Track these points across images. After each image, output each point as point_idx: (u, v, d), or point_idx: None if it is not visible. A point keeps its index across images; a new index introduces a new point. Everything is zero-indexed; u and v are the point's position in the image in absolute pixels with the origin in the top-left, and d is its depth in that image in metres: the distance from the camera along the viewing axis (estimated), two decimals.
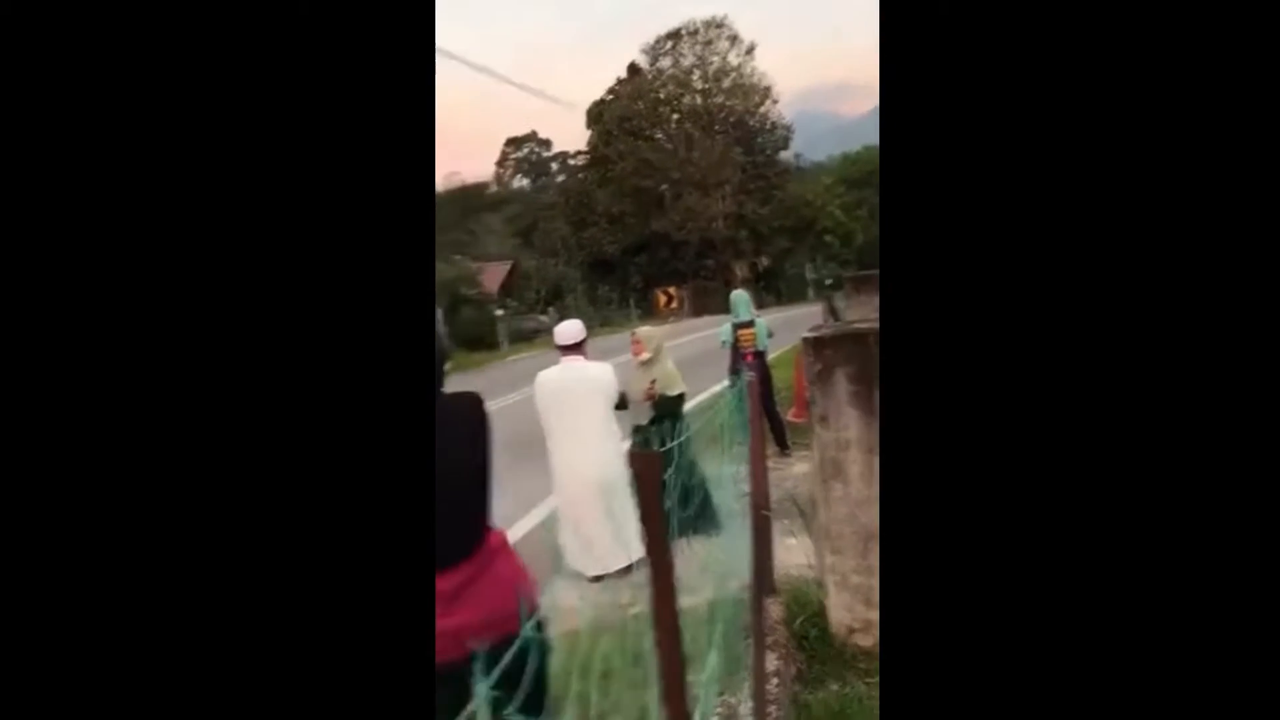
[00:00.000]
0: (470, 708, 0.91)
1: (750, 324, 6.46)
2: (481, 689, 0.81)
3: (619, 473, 3.90)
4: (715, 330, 7.19)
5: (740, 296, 6.75)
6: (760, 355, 6.44)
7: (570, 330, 4.35)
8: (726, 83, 36.23)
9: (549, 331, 4.73)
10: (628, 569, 3.67)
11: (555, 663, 2.09)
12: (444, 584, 1.65)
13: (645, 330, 4.83)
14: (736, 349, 6.44)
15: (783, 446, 6.45)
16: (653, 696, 1.44)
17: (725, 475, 2.79)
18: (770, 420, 6.47)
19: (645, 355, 4.48)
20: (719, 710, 2.46)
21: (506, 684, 0.96)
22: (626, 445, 4.11)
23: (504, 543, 1.81)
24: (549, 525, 4.82)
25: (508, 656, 1.06)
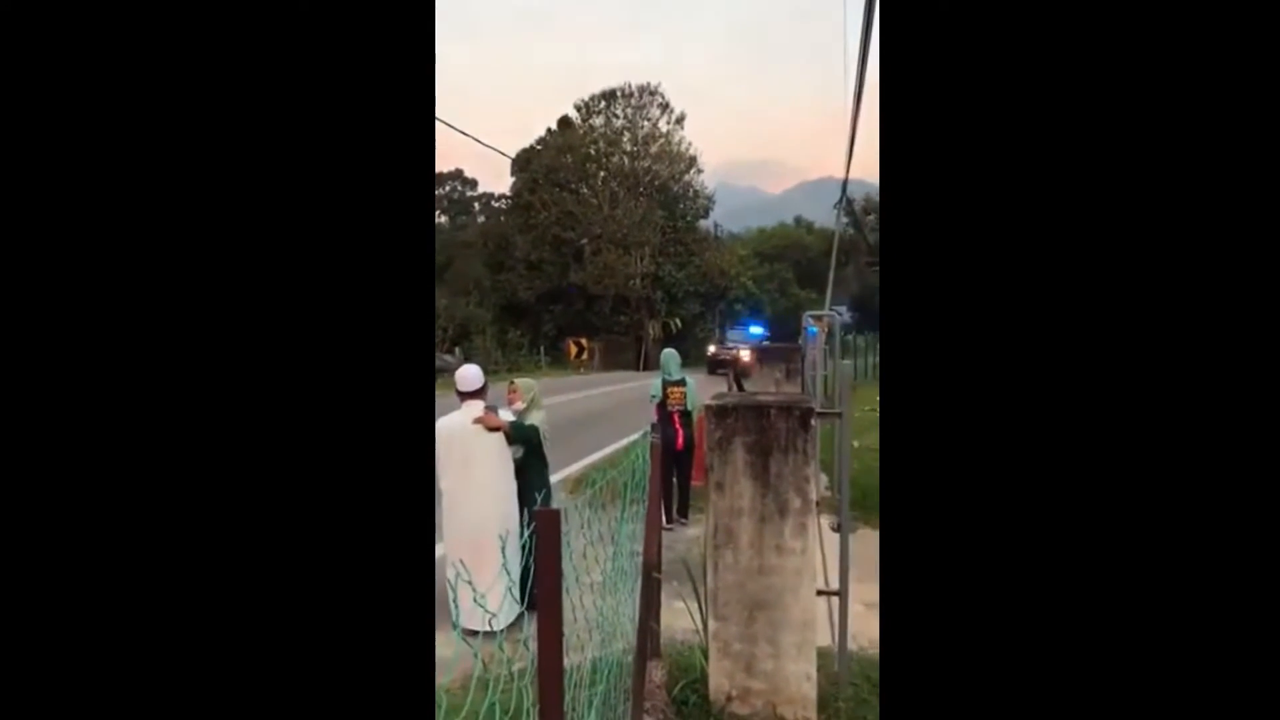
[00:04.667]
0: None
1: (681, 383, 6.52)
2: None
3: (515, 525, 3.86)
4: (621, 387, 7.22)
5: (671, 355, 6.77)
6: (687, 415, 6.48)
7: (470, 376, 4.33)
8: (654, 148, 37.36)
9: (453, 371, 4.72)
10: (517, 623, 3.61)
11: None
12: None
13: (523, 381, 4.88)
14: (664, 407, 6.47)
15: (681, 515, 6.46)
16: None
17: (620, 535, 2.82)
18: (679, 483, 6.51)
19: (520, 405, 4.50)
20: None
21: None
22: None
23: None
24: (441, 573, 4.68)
25: None
